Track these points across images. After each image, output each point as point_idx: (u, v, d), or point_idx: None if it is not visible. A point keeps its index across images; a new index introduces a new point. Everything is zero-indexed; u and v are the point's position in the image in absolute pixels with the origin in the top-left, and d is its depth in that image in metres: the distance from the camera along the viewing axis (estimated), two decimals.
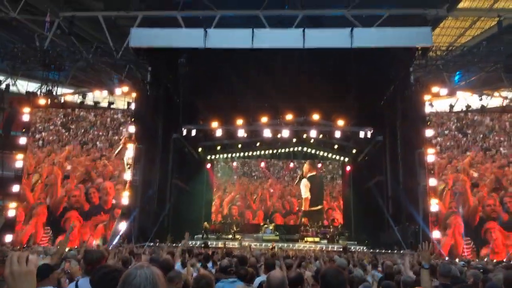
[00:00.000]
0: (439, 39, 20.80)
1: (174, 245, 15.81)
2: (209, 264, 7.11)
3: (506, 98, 18.89)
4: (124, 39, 19.29)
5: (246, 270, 4.92)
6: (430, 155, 17.39)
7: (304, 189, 26.99)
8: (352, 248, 18.30)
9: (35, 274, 1.50)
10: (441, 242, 16.31)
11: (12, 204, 17.62)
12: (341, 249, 16.53)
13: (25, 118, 18.90)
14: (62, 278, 4.95)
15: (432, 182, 17.17)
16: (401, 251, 16.00)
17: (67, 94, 20.47)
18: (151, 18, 20.13)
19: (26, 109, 18.93)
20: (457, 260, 12.24)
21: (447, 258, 13.95)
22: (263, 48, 16.55)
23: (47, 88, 20.21)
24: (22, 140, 18.63)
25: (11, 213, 17.52)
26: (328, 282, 2.69)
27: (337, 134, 20.99)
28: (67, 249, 8.45)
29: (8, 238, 16.90)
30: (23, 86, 23.10)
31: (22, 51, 19.30)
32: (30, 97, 19.45)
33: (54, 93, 20.13)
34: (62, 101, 20.07)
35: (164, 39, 17.47)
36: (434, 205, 16.89)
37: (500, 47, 17.98)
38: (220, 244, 18.78)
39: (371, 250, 18.00)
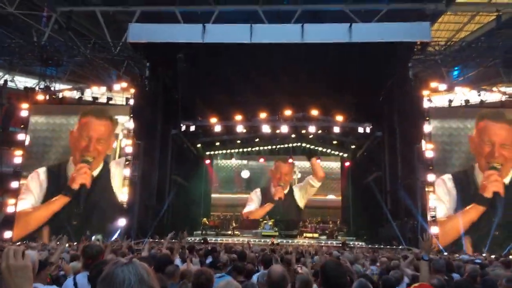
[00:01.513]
0: (437, 34, 20.76)
1: (173, 241, 15.83)
2: (208, 260, 7.11)
3: (504, 93, 18.87)
4: (122, 34, 19.23)
5: (244, 265, 4.93)
6: (429, 151, 17.42)
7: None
8: (351, 243, 18.36)
9: (31, 268, 1.50)
10: (439, 237, 16.36)
11: (11, 201, 17.60)
12: (340, 245, 16.57)
13: (24, 114, 18.85)
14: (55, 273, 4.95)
15: (431, 177, 17.20)
16: (400, 247, 16.07)
17: (65, 90, 20.36)
18: (149, 13, 20.03)
19: (25, 105, 18.87)
20: (456, 255, 12.28)
21: (445, 253, 13.99)
22: (261, 44, 16.50)
23: (45, 84, 20.16)
24: (21, 136, 18.59)
25: (10, 209, 17.51)
26: (328, 274, 2.71)
27: (336, 129, 20.99)
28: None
29: (8, 234, 16.90)
30: (21, 82, 23.04)
31: (20, 47, 19.23)
32: (28, 93, 19.39)
33: (52, 89, 20.07)
34: (60, 96, 20.00)
35: (162, 34, 17.40)
36: (432, 200, 16.94)
37: (499, 42, 17.96)
38: (219, 240, 18.82)
39: (370, 245, 18.06)
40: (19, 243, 13.57)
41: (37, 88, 19.80)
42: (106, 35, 19.86)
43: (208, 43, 16.68)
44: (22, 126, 18.83)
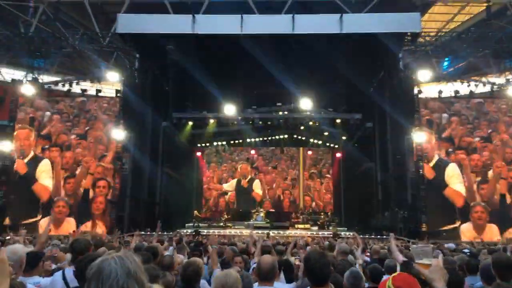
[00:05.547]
0: (428, 25, 20.75)
1: (165, 233, 15.82)
2: None
3: (494, 84, 18.98)
4: (111, 25, 18.95)
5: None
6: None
7: None
8: (342, 234, 18.47)
9: (6, 262, 1.47)
10: None
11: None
12: (332, 235, 16.66)
13: (11, 106, 18.57)
14: (47, 263, 4.91)
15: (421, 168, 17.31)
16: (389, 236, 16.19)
17: (53, 82, 20.05)
18: (138, 4, 19.72)
19: (12, 98, 18.58)
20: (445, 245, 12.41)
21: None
22: (252, 35, 16.37)
23: (33, 76, 19.82)
24: (9, 129, 18.34)
25: None
26: (311, 265, 2.73)
27: (327, 121, 20.98)
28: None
29: None
30: (9, 74, 22.64)
31: (6, 38, 18.86)
32: (15, 85, 19.09)
33: (40, 81, 19.76)
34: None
35: (151, 25, 17.17)
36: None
37: (489, 32, 18.01)
38: (211, 232, 18.81)
39: (361, 235, 18.16)
40: None
41: (24, 81, 19.48)
42: (95, 26, 19.56)
43: (198, 34, 16.51)
44: (9, 119, 18.57)
